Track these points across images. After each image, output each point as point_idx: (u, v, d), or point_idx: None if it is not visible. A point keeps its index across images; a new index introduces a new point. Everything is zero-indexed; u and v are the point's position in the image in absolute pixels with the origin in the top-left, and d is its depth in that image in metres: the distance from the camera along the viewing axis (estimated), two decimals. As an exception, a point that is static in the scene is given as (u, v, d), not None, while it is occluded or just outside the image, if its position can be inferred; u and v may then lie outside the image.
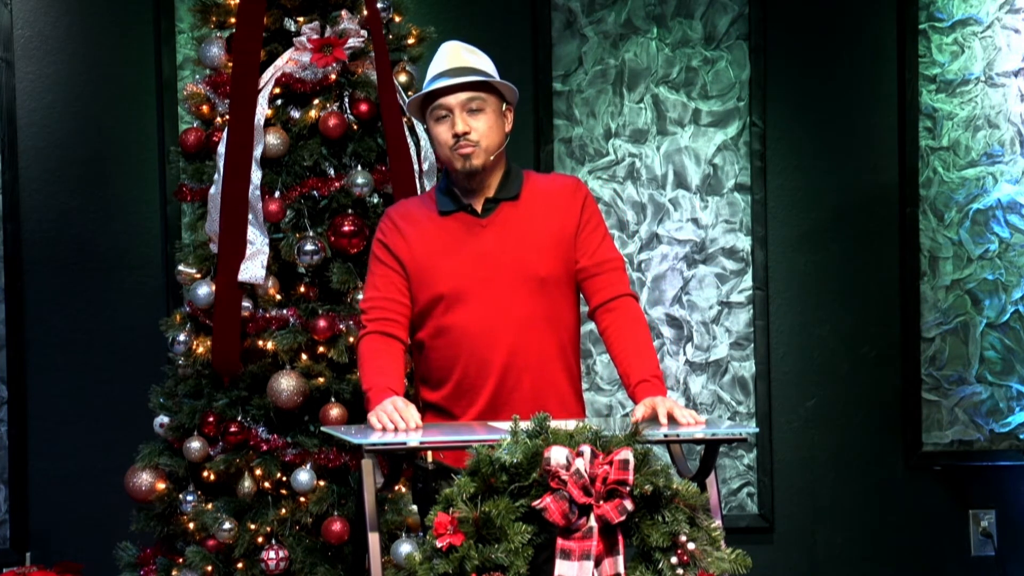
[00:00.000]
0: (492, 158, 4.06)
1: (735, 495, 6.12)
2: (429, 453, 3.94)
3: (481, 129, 4.04)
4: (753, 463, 6.11)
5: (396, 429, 3.78)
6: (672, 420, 3.79)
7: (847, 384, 6.15)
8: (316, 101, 5.05)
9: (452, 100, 4.03)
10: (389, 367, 4.00)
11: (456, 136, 4.02)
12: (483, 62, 4.10)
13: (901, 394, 6.14)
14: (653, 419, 3.82)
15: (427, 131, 4.15)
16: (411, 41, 5.23)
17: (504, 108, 4.12)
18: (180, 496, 5.00)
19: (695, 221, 6.10)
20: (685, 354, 6.10)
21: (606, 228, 4.16)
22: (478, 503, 3.38)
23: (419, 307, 4.09)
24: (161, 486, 5.02)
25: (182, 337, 5.07)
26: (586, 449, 3.40)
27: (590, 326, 6.01)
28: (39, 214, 5.92)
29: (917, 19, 6.10)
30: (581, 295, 4.16)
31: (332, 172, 5.05)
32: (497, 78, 4.09)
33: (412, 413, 3.81)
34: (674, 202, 6.10)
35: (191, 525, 4.96)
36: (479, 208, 4.09)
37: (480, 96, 4.05)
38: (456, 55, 4.09)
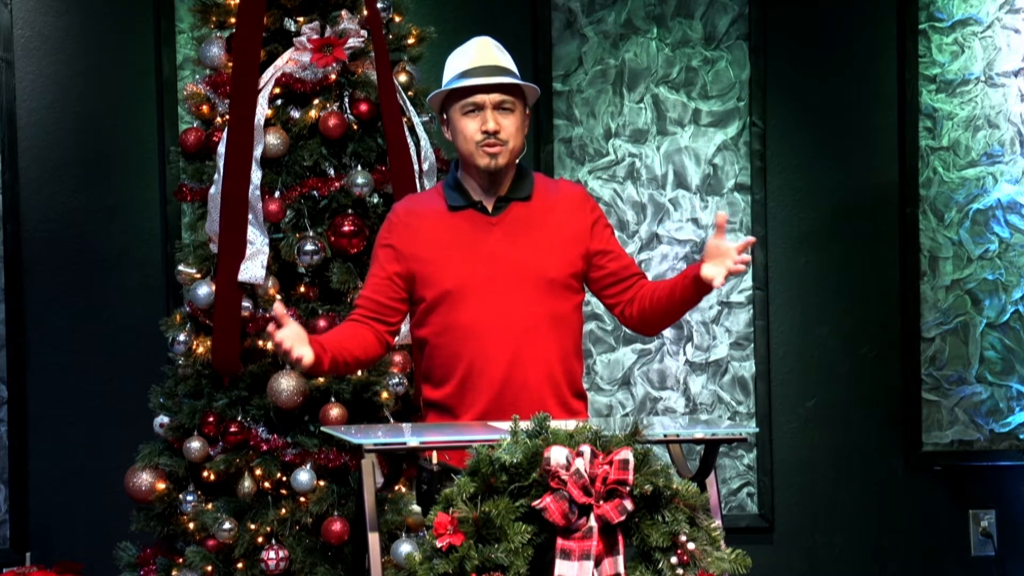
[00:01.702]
0: (516, 160, 4.11)
1: (735, 495, 6.11)
2: (434, 454, 3.94)
3: (510, 129, 4.08)
4: (753, 463, 6.11)
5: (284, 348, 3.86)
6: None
7: (847, 384, 6.15)
8: (316, 101, 5.05)
9: (486, 98, 4.07)
10: (337, 333, 4.09)
11: (486, 133, 4.05)
12: (512, 64, 4.16)
13: (901, 394, 6.14)
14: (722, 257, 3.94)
15: (444, 122, 4.15)
16: (411, 41, 5.23)
17: (526, 112, 4.16)
18: (180, 496, 5.00)
19: (695, 221, 6.09)
20: (685, 354, 6.10)
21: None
22: (478, 503, 3.38)
23: (425, 303, 4.10)
24: (161, 486, 5.02)
25: (182, 337, 5.07)
26: (586, 449, 3.40)
27: (590, 326, 6.01)
28: (39, 214, 5.91)
29: (917, 19, 6.10)
30: (586, 297, 4.19)
31: (332, 172, 5.05)
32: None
33: (301, 348, 3.87)
34: (674, 202, 6.10)
35: (191, 525, 4.96)
36: (490, 206, 4.11)
37: (511, 98, 4.09)
38: (490, 53, 4.12)
